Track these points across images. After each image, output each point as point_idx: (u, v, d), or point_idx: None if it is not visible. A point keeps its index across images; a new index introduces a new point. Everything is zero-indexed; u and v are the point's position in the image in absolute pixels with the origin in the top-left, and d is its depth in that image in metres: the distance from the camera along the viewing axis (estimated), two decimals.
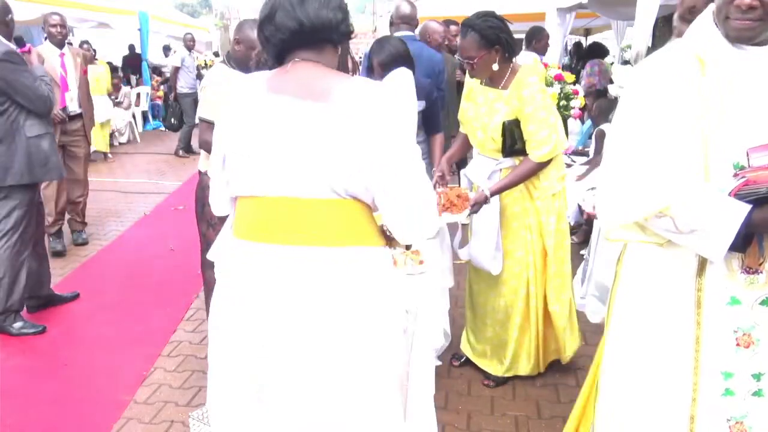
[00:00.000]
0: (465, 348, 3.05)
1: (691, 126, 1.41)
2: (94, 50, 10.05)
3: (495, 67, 2.57)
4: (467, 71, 2.72)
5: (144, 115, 11.43)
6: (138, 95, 10.98)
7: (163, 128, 11.16)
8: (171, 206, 6.26)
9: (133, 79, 11.97)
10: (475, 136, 2.75)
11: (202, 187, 2.73)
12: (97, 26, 10.45)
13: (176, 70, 8.99)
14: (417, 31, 4.19)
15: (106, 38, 13.94)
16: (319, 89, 1.44)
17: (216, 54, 15.61)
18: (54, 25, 4.79)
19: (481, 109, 2.70)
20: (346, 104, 1.42)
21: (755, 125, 1.38)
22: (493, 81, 2.65)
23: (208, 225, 2.69)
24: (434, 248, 2.63)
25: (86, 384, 2.93)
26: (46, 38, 4.90)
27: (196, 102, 9.61)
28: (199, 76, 9.25)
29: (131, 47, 12.21)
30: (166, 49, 12.62)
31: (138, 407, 2.74)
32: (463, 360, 3.05)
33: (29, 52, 3.60)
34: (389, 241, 1.57)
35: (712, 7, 1.46)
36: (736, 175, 1.38)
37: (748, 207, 1.34)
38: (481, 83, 2.74)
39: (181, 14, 15.89)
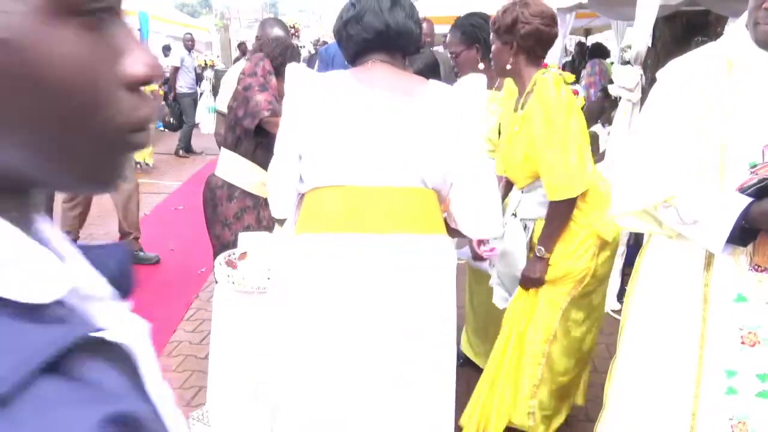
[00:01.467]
0: (465, 348, 3.05)
1: (697, 126, 1.42)
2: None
3: (480, 66, 2.64)
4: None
5: None
6: None
7: (162, 128, 11.17)
8: (171, 206, 6.25)
9: None
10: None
11: (211, 188, 2.72)
12: None
13: (175, 70, 8.99)
14: None
15: None
16: (405, 86, 1.56)
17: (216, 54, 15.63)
18: None
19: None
20: (432, 101, 1.55)
21: None
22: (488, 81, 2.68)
23: (223, 225, 2.68)
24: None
25: None
26: None
27: (195, 102, 9.65)
28: (199, 77, 9.25)
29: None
30: (166, 49, 12.62)
31: None
32: (462, 361, 3.05)
33: None
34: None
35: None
36: (752, 173, 1.39)
37: (747, 200, 1.34)
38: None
39: (181, 14, 15.89)
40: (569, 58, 9.01)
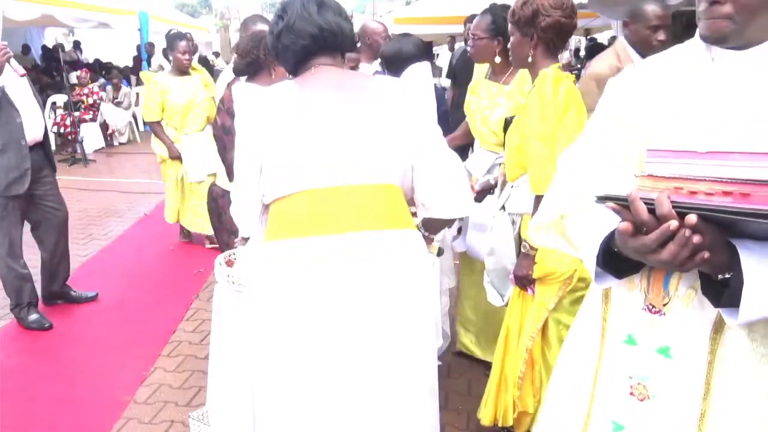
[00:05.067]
0: (465, 343, 3.06)
1: (621, 134, 1.22)
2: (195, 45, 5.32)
3: (497, 59, 2.62)
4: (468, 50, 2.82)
5: None
6: (138, 95, 10.98)
7: None
8: None
9: (133, 79, 11.97)
10: (476, 129, 2.77)
11: (214, 198, 2.72)
12: (97, 26, 10.44)
13: None
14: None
15: (107, 38, 13.97)
16: (353, 85, 1.57)
17: (216, 54, 15.61)
18: None
19: (482, 102, 2.72)
20: (380, 95, 1.56)
21: (700, 136, 1.10)
22: (496, 75, 2.70)
23: (230, 233, 2.68)
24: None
25: (86, 384, 2.93)
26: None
27: None
28: None
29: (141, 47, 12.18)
30: (164, 51, 12.60)
31: (138, 407, 2.74)
32: (457, 353, 3.08)
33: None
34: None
35: None
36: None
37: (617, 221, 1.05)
38: (485, 77, 2.76)
39: (181, 14, 15.87)
40: (565, 61, 8.99)
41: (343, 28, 1.60)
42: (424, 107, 1.61)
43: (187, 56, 4.51)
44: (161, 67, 11.47)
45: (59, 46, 10.49)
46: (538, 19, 2.05)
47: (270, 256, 1.55)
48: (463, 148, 3.23)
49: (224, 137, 2.46)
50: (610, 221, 1.07)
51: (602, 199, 1.01)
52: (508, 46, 2.20)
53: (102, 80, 10.80)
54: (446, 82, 8.64)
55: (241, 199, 1.66)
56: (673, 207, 0.91)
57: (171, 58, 4.60)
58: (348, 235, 1.49)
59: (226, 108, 2.46)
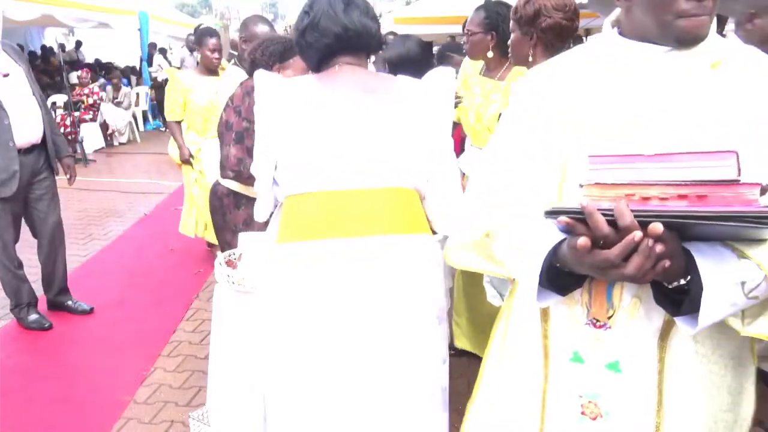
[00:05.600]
0: (460, 341, 3.04)
1: (541, 141, 1.14)
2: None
3: (489, 54, 2.63)
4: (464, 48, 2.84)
5: (144, 115, 11.43)
6: (138, 95, 10.99)
7: (163, 128, 11.16)
8: (171, 206, 6.25)
9: (133, 79, 11.97)
10: (470, 126, 2.77)
11: (218, 197, 2.71)
12: (97, 26, 10.45)
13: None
14: None
15: (108, 38, 13.95)
16: (375, 86, 1.55)
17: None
18: None
19: (476, 99, 2.72)
20: (401, 97, 1.54)
21: (638, 138, 1.04)
22: (491, 71, 2.71)
23: (233, 233, 2.67)
24: None
25: (86, 384, 2.93)
26: None
27: None
28: None
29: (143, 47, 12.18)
30: (160, 51, 12.62)
31: (138, 407, 2.74)
32: (454, 352, 3.07)
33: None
34: None
35: None
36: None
37: (560, 236, 0.98)
38: (479, 72, 2.76)
39: (181, 14, 15.88)
40: None
41: (369, 28, 1.57)
42: (444, 117, 1.60)
43: (216, 54, 4.22)
44: (160, 67, 11.49)
45: (60, 46, 10.47)
46: (539, 20, 2.05)
47: (284, 258, 1.55)
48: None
49: (225, 133, 2.47)
50: (550, 236, 0.99)
51: (552, 214, 0.91)
52: (509, 42, 2.21)
53: (102, 80, 10.80)
54: None
55: (259, 186, 1.66)
56: (637, 215, 0.85)
57: (199, 55, 4.38)
58: (362, 239, 1.49)
59: (234, 105, 2.48)
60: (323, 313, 1.50)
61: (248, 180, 2.47)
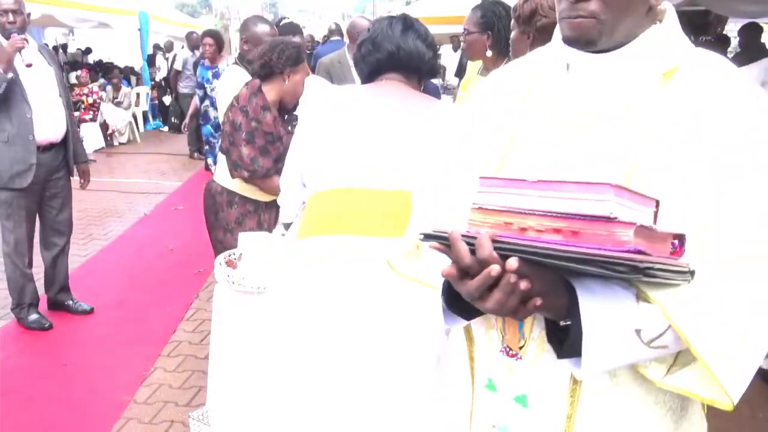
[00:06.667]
0: None
1: (478, 148, 1.08)
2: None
3: (488, 53, 2.63)
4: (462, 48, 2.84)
5: (144, 115, 11.44)
6: (138, 95, 10.99)
7: (164, 128, 11.17)
8: (171, 206, 6.25)
9: (133, 79, 11.96)
10: None
11: (211, 194, 2.72)
12: (97, 26, 10.45)
13: (176, 72, 9.01)
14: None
15: (108, 38, 13.94)
16: (413, 102, 1.65)
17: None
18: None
19: None
20: (437, 117, 1.62)
21: (545, 157, 0.97)
22: (488, 70, 2.71)
23: (225, 231, 2.69)
24: None
25: (86, 384, 2.93)
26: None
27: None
28: None
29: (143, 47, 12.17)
30: (157, 49, 12.61)
31: (138, 407, 2.74)
32: None
33: None
34: None
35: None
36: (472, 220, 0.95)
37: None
38: (477, 72, 2.77)
39: (181, 14, 15.88)
40: None
41: (421, 52, 1.68)
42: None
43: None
44: (159, 68, 11.47)
45: (62, 46, 10.48)
46: (535, 19, 2.05)
47: (291, 251, 1.62)
48: None
49: (234, 133, 2.49)
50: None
51: (427, 237, 0.85)
52: (510, 41, 2.21)
53: (102, 80, 10.80)
54: (455, 81, 8.65)
55: (286, 186, 1.76)
56: (500, 247, 0.77)
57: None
58: (364, 238, 1.52)
59: (240, 106, 2.50)
60: (320, 313, 1.52)
61: (263, 179, 2.49)
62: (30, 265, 3.47)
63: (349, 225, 1.54)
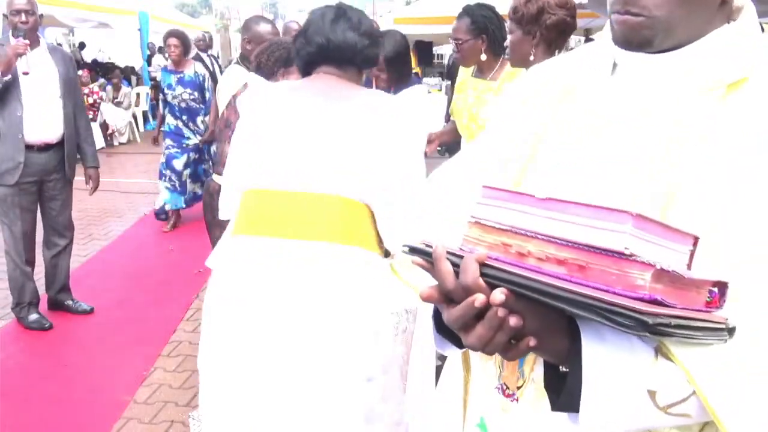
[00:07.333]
0: None
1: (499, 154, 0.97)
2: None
3: (483, 57, 2.64)
4: (456, 56, 2.83)
5: (144, 115, 11.43)
6: (138, 95, 10.99)
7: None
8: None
9: (134, 79, 11.96)
10: (463, 126, 2.79)
11: (210, 193, 2.73)
12: (97, 26, 10.45)
13: None
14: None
15: (108, 38, 13.94)
16: (339, 93, 1.57)
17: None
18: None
19: (469, 100, 2.74)
20: (365, 108, 1.53)
21: (571, 162, 0.84)
22: (483, 72, 2.72)
23: (222, 230, 2.70)
24: None
25: (86, 384, 2.93)
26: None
27: None
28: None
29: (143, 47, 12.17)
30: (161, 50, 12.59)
31: (138, 407, 2.74)
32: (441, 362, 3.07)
33: None
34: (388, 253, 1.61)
35: None
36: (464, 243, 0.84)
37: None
38: (471, 75, 2.78)
39: (181, 14, 15.87)
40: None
41: (352, 42, 1.58)
42: (413, 138, 1.56)
43: None
44: (159, 67, 11.43)
45: (61, 46, 10.47)
46: (543, 17, 2.05)
47: (220, 251, 1.65)
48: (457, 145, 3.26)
49: (223, 130, 2.53)
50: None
51: (412, 251, 0.71)
52: (506, 43, 2.21)
53: (102, 80, 10.80)
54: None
55: (228, 181, 1.73)
56: (489, 273, 0.65)
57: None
58: (293, 241, 1.50)
59: (235, 105, 2.52)
60: (248, 314, 1.53)
61: None
62: (29, 263, 3.47)
63: (278, 228, 1.52)
